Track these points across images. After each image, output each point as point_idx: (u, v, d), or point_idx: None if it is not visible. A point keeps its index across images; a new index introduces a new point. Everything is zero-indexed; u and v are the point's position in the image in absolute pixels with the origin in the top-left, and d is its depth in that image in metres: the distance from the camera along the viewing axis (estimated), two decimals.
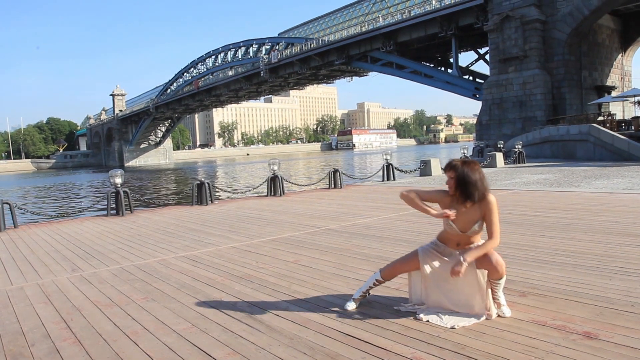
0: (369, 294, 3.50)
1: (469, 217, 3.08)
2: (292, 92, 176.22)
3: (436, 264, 3.18)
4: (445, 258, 3.17)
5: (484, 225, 3.08)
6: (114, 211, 10.15)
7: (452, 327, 2.96)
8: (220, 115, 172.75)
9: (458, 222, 3.08)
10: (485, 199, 3.05)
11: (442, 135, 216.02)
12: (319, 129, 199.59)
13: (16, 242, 7.38)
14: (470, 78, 41.52)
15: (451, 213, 3.05)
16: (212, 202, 11.34)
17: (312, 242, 6.01)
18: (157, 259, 5.57)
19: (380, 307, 3.38)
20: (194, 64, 77.09)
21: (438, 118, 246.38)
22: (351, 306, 3.40)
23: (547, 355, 2.50)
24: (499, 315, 3.10)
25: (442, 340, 2.78)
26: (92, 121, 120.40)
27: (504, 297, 3.18)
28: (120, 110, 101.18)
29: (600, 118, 25.95)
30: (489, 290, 3.14)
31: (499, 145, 22.88)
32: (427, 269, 3.18)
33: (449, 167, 3.09)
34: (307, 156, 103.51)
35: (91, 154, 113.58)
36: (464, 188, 3.03)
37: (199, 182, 11.34)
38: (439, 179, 14.67)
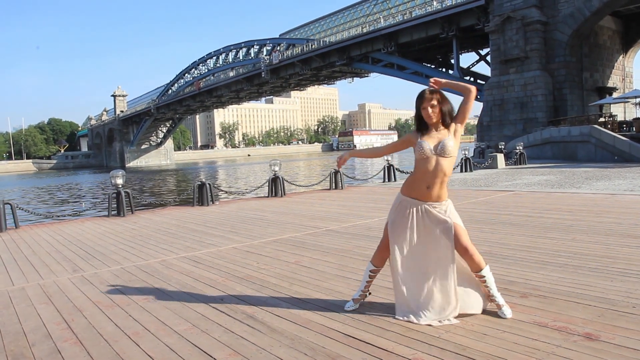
0: (369, 292, 3.47)
1: (439, 137, 2.98)
2: (293, 93, 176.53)
3: (405, 235, 3.07)
4: (413, 219, 3.05)
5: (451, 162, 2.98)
6: (115, 212, 10.16)
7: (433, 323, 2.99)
8: (222, 116, 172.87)
9: (433, 142, 2.97)
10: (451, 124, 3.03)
11: None
12: (320, 129, 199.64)
13: (17, 242, 7.39)
14: (471, 79, 41.56)
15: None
16: (213, 202, 11.35)
17: (314, 243, 6.01)
18: (158, 259, 5.57)
19: (381, 308, 3.38)
20: (195, 65, 77.23)
21: None
22: (351, 306, 3.38)
23: (548, 357, 2.50)
24: (499, 316, 3.08)
25: (443, 341, 2.78)
26: (93, 122, 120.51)
27: (502, 297, 3.14)
28: (122, 111, 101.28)
29: (602, 119, 25.93)
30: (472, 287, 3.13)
31: (500, 147, 22.87)
32: (395, 243, 3.10)
33: (432, 92, 2.95)
34: (308, 157, 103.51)
35: (92, 154, 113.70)
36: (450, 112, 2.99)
37: (200, 182, 11.35)
38: None
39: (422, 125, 3.04)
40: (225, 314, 3.48)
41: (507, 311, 3.08)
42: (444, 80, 3.00)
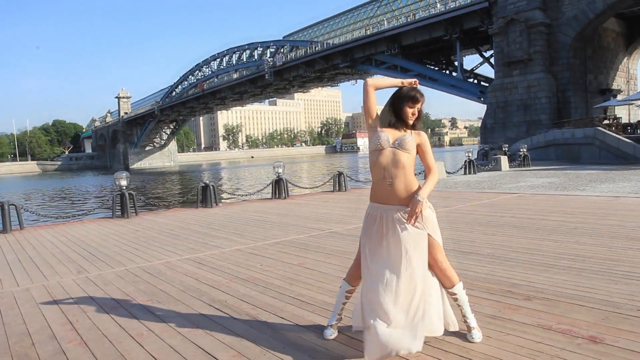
0: (341, 317, 3.06)
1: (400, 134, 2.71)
2: (296, 95, 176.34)
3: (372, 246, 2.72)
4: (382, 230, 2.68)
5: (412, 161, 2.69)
6: (119, 213, 10.19)
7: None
8: (225, 117, 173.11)
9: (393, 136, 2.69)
10: (421, 132, 2.75)
11: (447, 139, 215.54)
12: (323, 131, 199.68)
13: (22, 243, 7.42)
14: (475, 81, 41.50)
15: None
16: (216, 204, 11.37)
17: (317, 245, 6.02)
18: (161, 261, 5.59)
19: None
20: (198, 67, 77.58)
21: (442, 121, 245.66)
22: (332, 334, 2.98)
23: (552, 359, 2.50)
24: (468, 340, 2.79)
25: (446, 343, 2.78)
26: (97, 123, 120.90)
27: (474, 319, 2.83)
28: (126, 113, 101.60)
29: (606, 121, 25.88)
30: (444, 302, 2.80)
31: (503, 149, 22.84)
32: (365, 250, 2.76)
33: (421, 95, 2.69)
34: (312, 159, 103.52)
35: (96, 156, 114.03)
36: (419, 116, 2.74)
37: (203, 184, 11.38)
38: (442, 182, 14.64)
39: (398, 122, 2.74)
40: (228, 316, 3.49)
41: (477, 335, 2.79)
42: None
